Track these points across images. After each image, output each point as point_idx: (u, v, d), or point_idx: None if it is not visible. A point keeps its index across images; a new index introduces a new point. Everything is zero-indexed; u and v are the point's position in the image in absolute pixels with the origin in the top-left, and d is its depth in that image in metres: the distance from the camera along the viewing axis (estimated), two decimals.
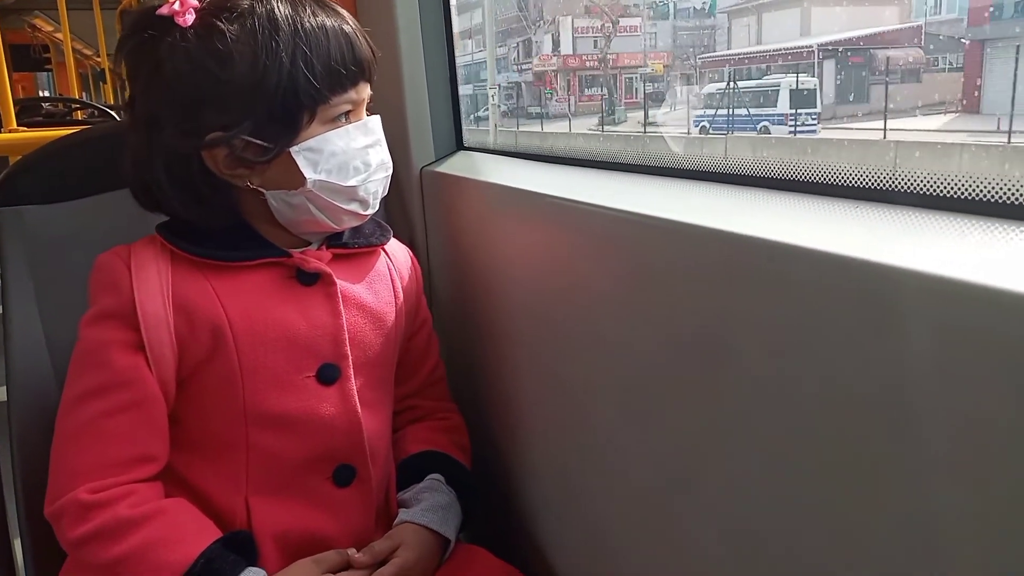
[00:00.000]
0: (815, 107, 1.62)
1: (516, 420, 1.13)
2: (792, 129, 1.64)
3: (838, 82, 1.56)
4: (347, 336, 0.93)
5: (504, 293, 1.11)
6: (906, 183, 0.65)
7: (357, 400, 0.94)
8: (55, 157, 1.14)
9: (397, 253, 1.07)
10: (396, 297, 1.02)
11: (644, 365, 0.79)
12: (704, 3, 2.04)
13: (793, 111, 1.66)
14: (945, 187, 0.61)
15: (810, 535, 0.59)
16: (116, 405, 0.85)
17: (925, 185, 0.63)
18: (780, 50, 1.76)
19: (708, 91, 1.95)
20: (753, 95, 1.78)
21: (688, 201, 0.82)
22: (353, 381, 0.93)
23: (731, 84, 1.85)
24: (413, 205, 1.32)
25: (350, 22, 0.90)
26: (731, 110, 1.80)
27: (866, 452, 0.53)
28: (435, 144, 1.32)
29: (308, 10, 0.86)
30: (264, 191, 0.89)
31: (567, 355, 0.95)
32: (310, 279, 0.93)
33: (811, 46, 1.60)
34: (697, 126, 1.88)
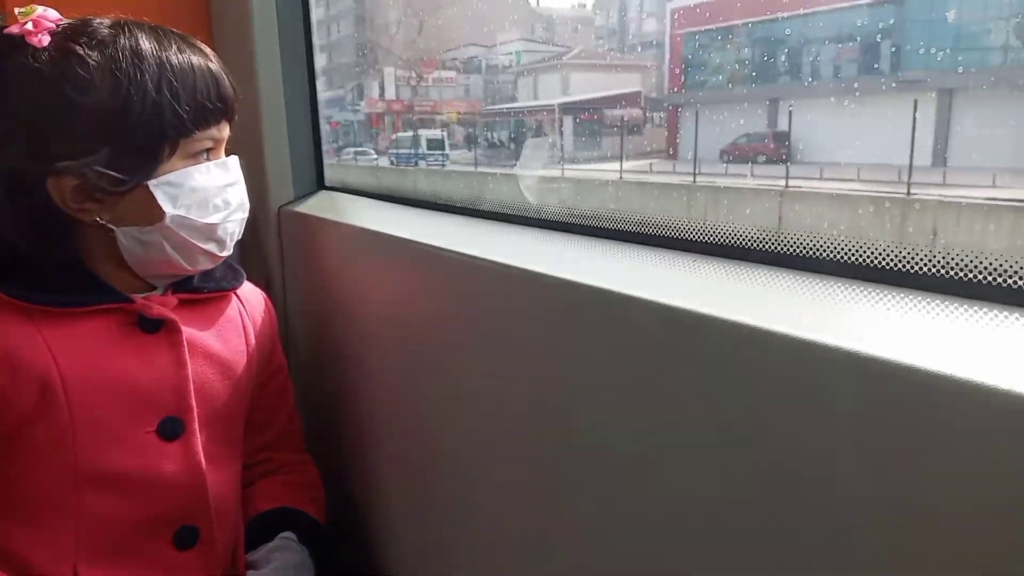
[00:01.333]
0: (444, 150, 2.92)
1: (375, 470, 1.10)
2: (428, 164, 2.95)
3: (575, 132, 2.16)
4: (192, 387, 0.88)
5: (363, 337, 1.08)
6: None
7: (202, 455, 0.88)
8: None
9: (250, 297, 1.02)
10: (247, 344, 0.98)
11: (498, 405, 0.80)
12: (511, 62, 2.60)
13: (432, 151, 2.96)
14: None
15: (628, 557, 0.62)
16: None
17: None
18: (531, 107, 2.44)
19: (399, 136, 3.33)
20: (414, 140, 3.15)
21: (522, 245, 0.86)
22: (198, 435, 0.88)
23: (415, 133, 3.08)
24: (270, 245, 1.28)
25: (215, 60, 0.88)
26: (416, 149, 3.13)
27: (694, 483, 0.57)
28: (295, 183, 1.28)
29: (174, 46, 0.84)
30: (114, 228, 0.83)
31: (427, 400, 0.94)
32: (153, 326, 0.87)
33: (552, 105, 2.24)
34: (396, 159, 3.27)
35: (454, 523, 0.93)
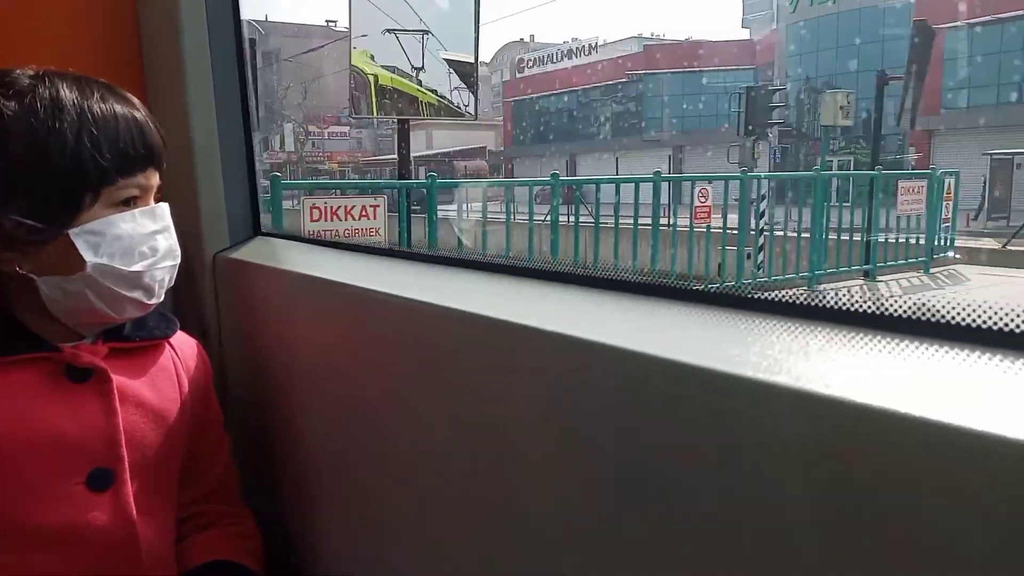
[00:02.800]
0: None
1: (315, 518, 1.09)
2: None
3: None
4: (123, 437, 0.86)
5: (301, 383, 1.07)
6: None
7: (133, 507, 0.86)
8: None
9: (183, 346, 1.01)
10: (180, 393, 0.96)
11: (436, 446, 0.80)
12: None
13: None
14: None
15: None
16: None
17: None
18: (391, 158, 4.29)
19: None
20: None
21: (458, 287, 0.88)
22: (129, 486, 0.86)
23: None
24: (205, 293, 1.26)
25: (140, 109, 0.87)
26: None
27: (622, 517, 0.59)
28: (230, 229, 1.27)
29: (96, 95, 0.83)
30: (36, 277, 0.82)
31: (366, 444, 0.93)
32: (82, 376, 0.85)
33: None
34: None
35: (392, 564, 0.92)
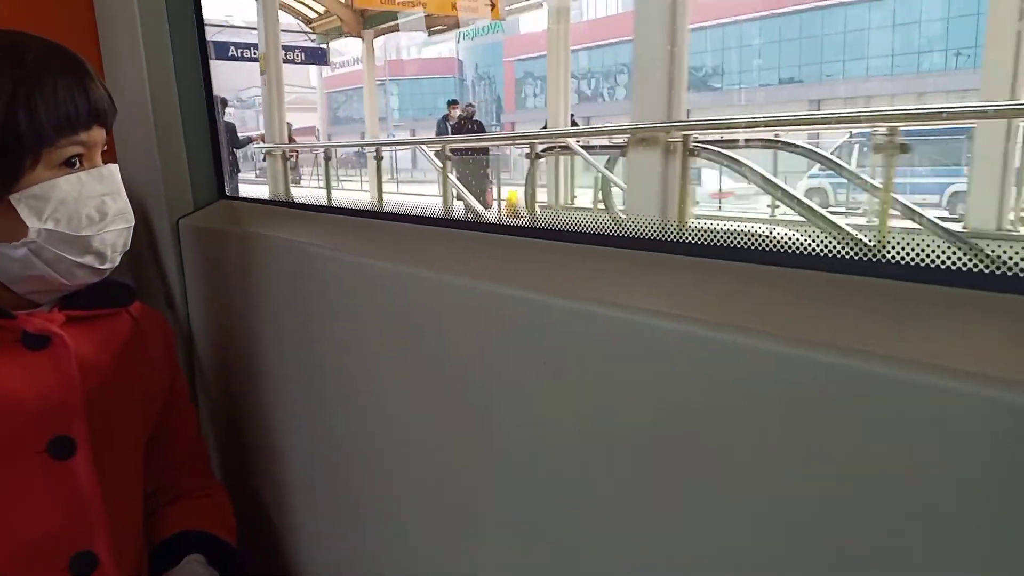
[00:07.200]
0: None
1: (287, 489, 1.06)
2: None
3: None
4: (84, 406, 0.82)
5: (269, 349, 1.04)
6: None
7: (95, 476, 0.83)
8: None
9: (146, 317, 0.97)
10: (143, 364, 0.93)
11: (411, 414, 0.78)
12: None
13: None
14: None
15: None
16: None
17: None
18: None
19: None
20: None
21: (431, 246, 0.84)
22: (90, 454, 0.83)
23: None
24: (169, 260, 1.22)
25: (83, 65, 0.83)
26: None
27: (595, 471, 0.56)
28: (193, 193, 1.23)
29: (32, 54, 0.78)
30: None
31: (335, 410, 0.91)
32: (38, 343, 0.82)
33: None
34: None
35: (366, 534, 0.90)
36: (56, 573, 0.81)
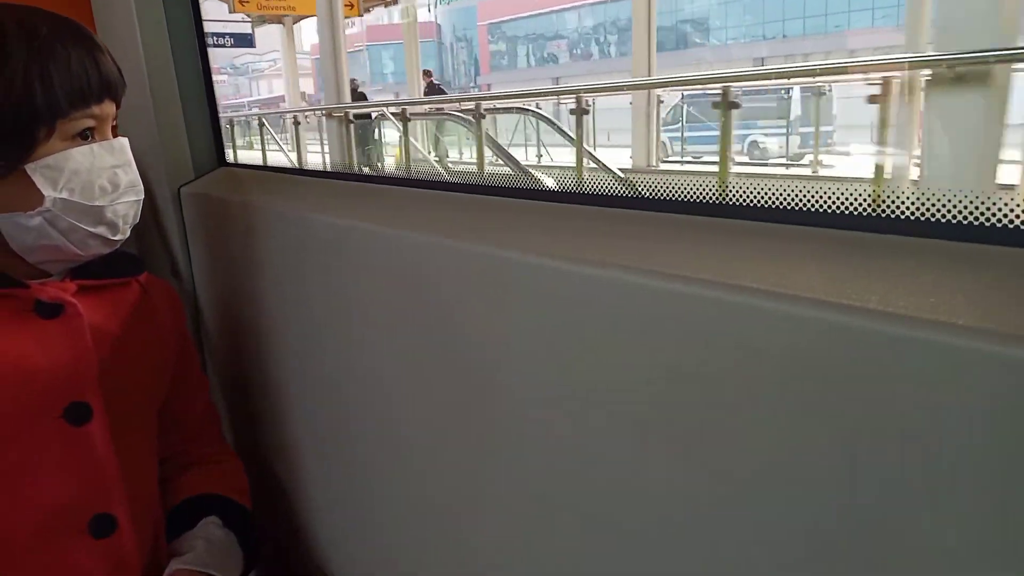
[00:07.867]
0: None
1: (298, 457, 1.08)
2: None
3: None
4: (98, 372, 0.84)
5: (278, 319, 1.05)
6: None
7: (111, 441, 0.85)
8: None
9: (155, 287, 0.99)
10: (154, 334, 0.95)
11: (420, 380, 0.78)
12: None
13: None
14: None
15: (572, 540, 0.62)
16: None
17: None
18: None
19: None
20: None
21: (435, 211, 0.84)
22: (106, 420, 0.84)
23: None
24: (172, 229, 1.22)
25: (93, 38, 0.83)
26: None
27: (596, 443, 0.57)
28: (194, 161, 1.23)
29: (45, 27, 0.79)
30: None
31: (347, 380, 0.92)
32: (51, 311, 0.83)
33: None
34: None
35: (376, 498, 0.91)
36: (76, 535, 0.83)
